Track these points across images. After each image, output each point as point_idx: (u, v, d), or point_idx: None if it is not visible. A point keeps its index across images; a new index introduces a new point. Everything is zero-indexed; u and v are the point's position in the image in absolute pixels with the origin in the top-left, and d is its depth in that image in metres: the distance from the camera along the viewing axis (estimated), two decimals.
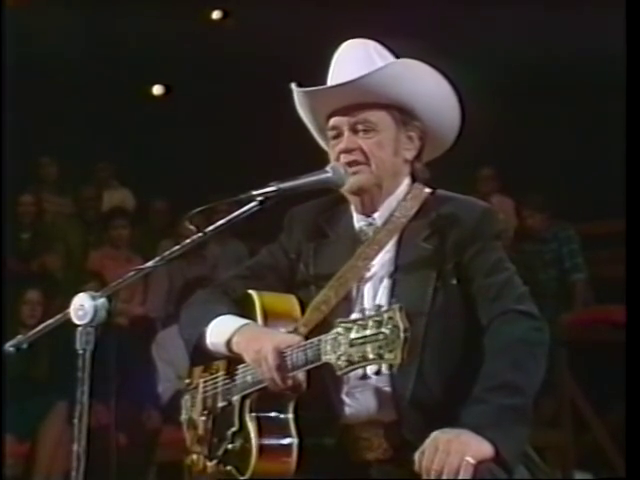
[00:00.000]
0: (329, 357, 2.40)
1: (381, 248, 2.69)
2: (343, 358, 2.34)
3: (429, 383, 2.59)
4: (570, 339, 6.33)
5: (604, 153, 7.01)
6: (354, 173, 2.69)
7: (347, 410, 2.66)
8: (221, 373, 2.78)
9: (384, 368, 2.38)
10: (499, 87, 7.49)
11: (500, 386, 2.49)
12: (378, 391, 2.63)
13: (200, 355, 2.80)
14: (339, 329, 2.37)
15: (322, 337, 2.46)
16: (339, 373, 2.38)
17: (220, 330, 2.71)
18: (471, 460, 2.38)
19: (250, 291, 2.77)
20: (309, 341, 2.55)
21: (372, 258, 2.69)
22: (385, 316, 2.28)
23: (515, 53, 7.88)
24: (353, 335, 2.32)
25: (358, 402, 2.66)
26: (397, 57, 2.75)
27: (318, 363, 2.48)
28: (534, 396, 2.53)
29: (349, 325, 2.35)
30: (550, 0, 7.68)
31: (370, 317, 2.31)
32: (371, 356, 2.29)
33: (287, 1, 7.92)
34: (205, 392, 2.83)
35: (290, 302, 2.75)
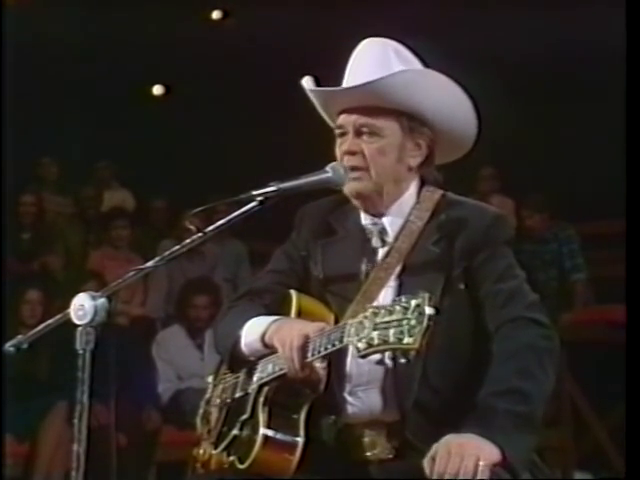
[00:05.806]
0: (351, 339, 2.39)
1: (402, 256, 2.67)
2: (364, 340, 2.32)
3: (433, 385, 2.59)
4: (570, 339, 6.32)
5: (604, 153, 7.01)
6: (354, 179, 2.67)
7: (350, 409, 2.66)
8: (244, 370, 2.79)
9: (402, 359, 2.34)
10: (499, 87, 7.48)
11: (505, 392, 2.48)
12: (382, 391, 2.63)
13: (236, 362, 2.80)
14: (367, 313, 2.36)
15: (349, 321, 2.46)
16: (358, 355, 2.37)
17: (255, 328, 2.71)
18: (485, 464, 2.38)
19: (291, 290, 2.78)
20: (335, 326, 2.56)
21: (394, 267, 2.67)
22: (413, 303, 2.27)
23: (515, 53, 7.88)
24: (379, 319, 2.31)
25: (361, 401, 2.65)
26: (419, 57, 2.72)
27: (340, 345, 2.47)
28: (542, 404, 2.52)
29: (376, 310, 2.34)
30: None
31: (398, 303, 2.30)
32: (392, 339, 2.27)
33: (287, 1, 7.92)
34: (225, 384, 2.84)
35: (325, 309, 2.74)
